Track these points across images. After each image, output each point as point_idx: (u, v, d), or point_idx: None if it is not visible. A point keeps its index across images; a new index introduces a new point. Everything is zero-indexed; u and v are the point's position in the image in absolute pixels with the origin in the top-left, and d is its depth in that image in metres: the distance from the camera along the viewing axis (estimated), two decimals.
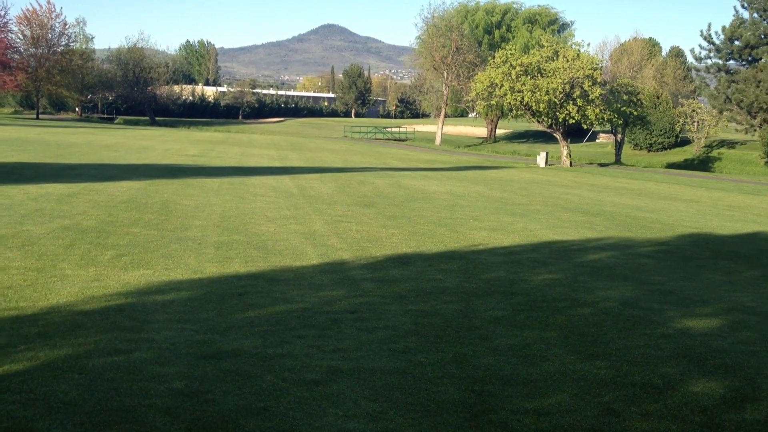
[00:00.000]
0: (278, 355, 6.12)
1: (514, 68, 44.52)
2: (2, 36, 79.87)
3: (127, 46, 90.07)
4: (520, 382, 5.76)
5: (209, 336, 6.55)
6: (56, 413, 4.70)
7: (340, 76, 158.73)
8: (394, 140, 77.24)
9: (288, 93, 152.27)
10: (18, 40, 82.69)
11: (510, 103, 45.67)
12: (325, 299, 8.18)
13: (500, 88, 45.08)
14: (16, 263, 8.95)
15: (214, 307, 7.57)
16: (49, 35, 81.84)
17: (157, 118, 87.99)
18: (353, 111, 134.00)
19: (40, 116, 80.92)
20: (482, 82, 46.63)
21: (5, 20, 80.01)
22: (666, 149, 66.57)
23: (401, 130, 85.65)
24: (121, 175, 21.40)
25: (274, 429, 4.68)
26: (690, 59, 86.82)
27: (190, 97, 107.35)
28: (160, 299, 7.76)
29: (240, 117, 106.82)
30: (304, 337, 6.68)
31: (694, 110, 63.93)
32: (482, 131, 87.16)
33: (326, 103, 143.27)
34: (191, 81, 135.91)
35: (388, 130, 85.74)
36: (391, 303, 8.09)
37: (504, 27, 77.92)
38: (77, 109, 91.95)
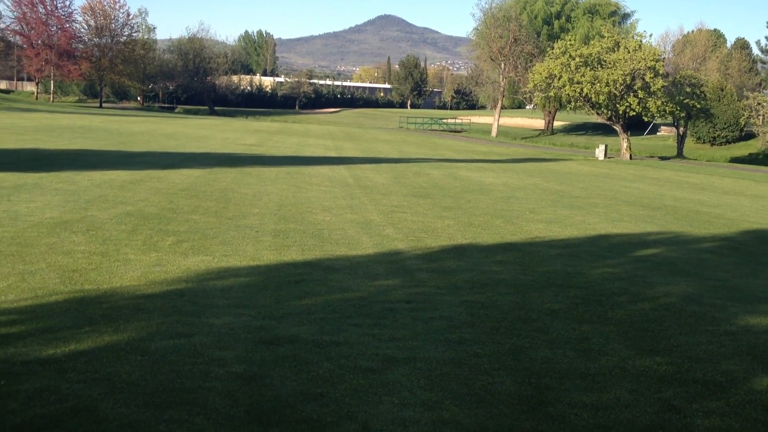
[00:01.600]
0: (334, 343, 6.17)
1: (574, 59, 43.92)
2: (67, 26, 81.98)
3: (187, 37, 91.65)
4: (578, 375, 5.69)
5: (267, 322, 6.64)
6: (120, 393, 4.82)
7: (396, 67, 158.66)
8: (450, 131, 76.97)
9: (344, 83, 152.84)
10: (82, 30, 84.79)
11: (569, 94, 45.09)
12: (381, 288, 8.21)
13: (559, 79, 44.53)
14: (81, 247, 9.19)
15: (272, 293, 7.66)
16: (113, 25, 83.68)
17: (215, 108, 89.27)
18: (409, 102, 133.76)
19: (103, 105, 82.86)
20: (540, 74, 46.12)
21: (70, 10, 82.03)
22: (730, 143, 64.85)
23: (457, 121, 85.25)
24: (181, 163, 21.78)
25: (331, 415, 4.72)
26: (756, 51, 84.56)
27: (248, 88, 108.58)
28: (219, 285, 7.89)
29: (297, 107, 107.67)
30: (360, 326, 6.72)
31: (759, 103, 62.02)
32: (539, 123, 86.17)
33: (382, 94, 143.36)
34: (249, 71, 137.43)
35: (444, 121, 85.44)
36: (446, 293, 8.08)
37: (563, 17, 76.76)
38: (139, 98, 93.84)
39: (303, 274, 8.64)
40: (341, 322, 6.81)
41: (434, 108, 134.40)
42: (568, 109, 56.29)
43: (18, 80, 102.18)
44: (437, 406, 4.96)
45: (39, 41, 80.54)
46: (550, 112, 78.51)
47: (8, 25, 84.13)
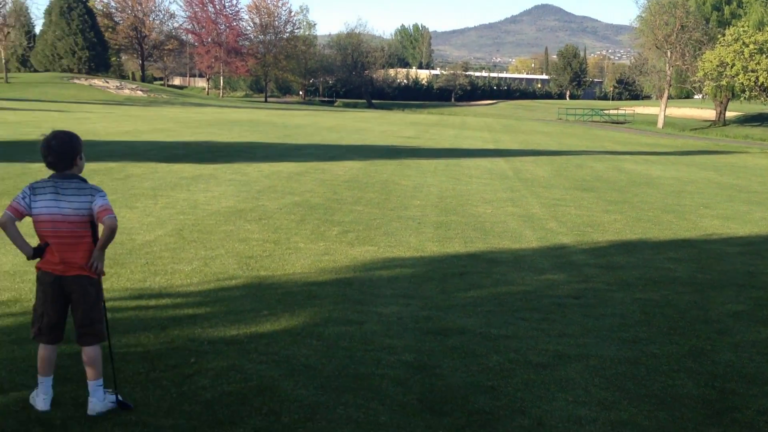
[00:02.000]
0: (503, 336, 6.12)
1: (747, 46, 41.26)
2: (234, 24, 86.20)
3: (345, 32, 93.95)
4: (767, 381, 5.34)
5: (434, 312, 6.69)
6: (298, 375, 5.02)
7: (554, 57, 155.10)
8: (612, 123, 74.39)
9: (500, 75, 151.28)
10: (248, 28, 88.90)
11: (743, 83, 42.43)
12: (547, 283, 8.06)
13: (731, 67, 41.99)
14: (255, 235, 9.64)
15: (437, 285, 7.71)
16: (276, 23, 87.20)
17: (373, 101, 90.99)
18: (567, 93, 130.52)
19: (268, 99, 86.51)
20: (711, 62, 43.70)
21: (237, 9, 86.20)
22: None
23: (619, 112, 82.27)
24: (343, 155, 22.36)
25: (503, 408, 4.68)
26: None
27: (404, 81, 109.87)
28: (385, 275, 8.03)
29: (452, 99, 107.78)
30: (528, 320, 6.62)
31: None
32: (709, 114, 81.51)
33: (539, 85, 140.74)
34: (405, 65, 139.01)
35: (605, 112, 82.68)
36: (617, 290, 7.81)
37: (734, 3, 72.01)
38: (301, 93, 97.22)
39: (467, 266, 8.63)
40: (508, 315, 6.74)
41: (594, 99, 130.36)
42: (741, 98, 52.96)
43: (190, 77, 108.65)
44: (614, 406, 4.80)
45: (209, 39, 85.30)
46: (721, 102, 74.05)
47: (181, 24, 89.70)
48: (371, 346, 5.67)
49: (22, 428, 4.07)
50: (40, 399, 4.33)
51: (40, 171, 14.64)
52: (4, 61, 76.39)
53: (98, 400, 4.34)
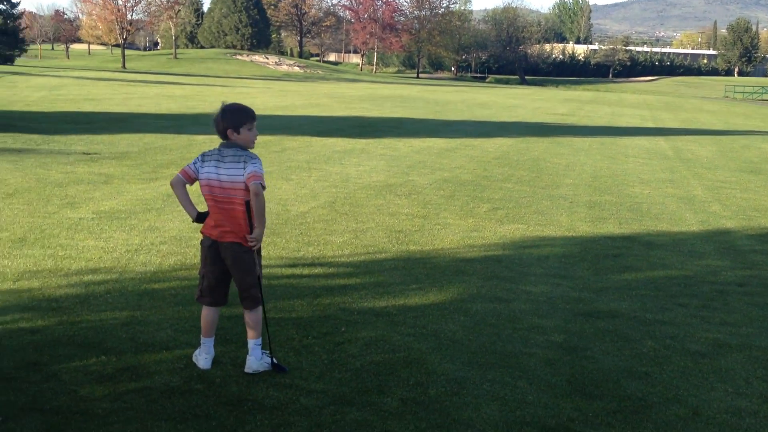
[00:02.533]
0: (658, 321, 5.87)
1: None
2: (391, 0, 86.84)
3: (501, 7, 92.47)
4: None
5: (585, 294, 6.51)
6: (445, 349, 5.04)
7: (723, 31, 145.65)
8: None
9: (662, 50, 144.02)
10: (405, 4, 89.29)
11: None
12: (709, 269, 7.65)
13: None
14: (405, 210, 9.73)
15: (589, 266, 7.50)
16: None
17: (526, 77, 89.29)
18: (736, 69, 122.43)
19: (420, 75, 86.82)
20: None
21: None
22: None
23: None
24: (494, 131, 22.12)
25: (657, 395, 4.50)
26: None
27: (560, 56, 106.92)
28: (535, 253, 7.89)
29: (610, 76, 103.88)
30: (686, 306, 6.32)
31: None
32: None
33: (705, 61, 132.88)
34: (562, 39, 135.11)
35: None
36: None
37: None
38: (452, 68, 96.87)
39: (621, 248, 8.33)
40: (665, 300, 6.46)
41: (766, 76, 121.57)
42: None
43: (345, 53, 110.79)
44: None
45: (365, 15, 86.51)
46: None
47: (339, 1, 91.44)
48: (519, 325, 5.60)
49: (185, 385, 4.33)
50: (202, 358, 4.59)
51: (204, 143, 15.48)
52: (173, 37, 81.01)
53: (255, 358, 4.55)
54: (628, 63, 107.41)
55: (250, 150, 4.45)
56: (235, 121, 4.36)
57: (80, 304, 5.56)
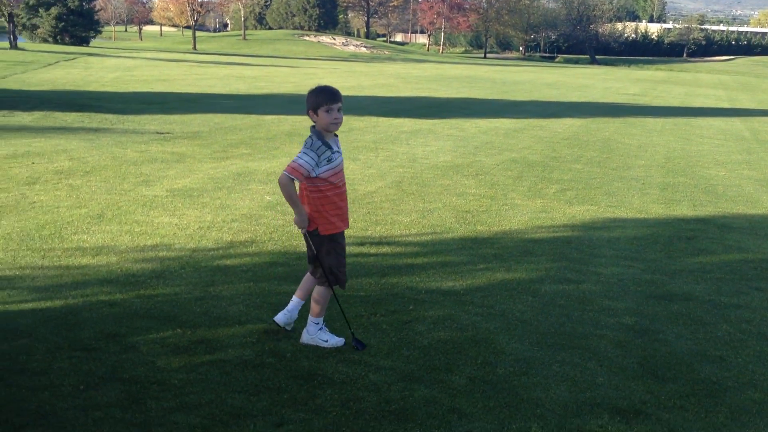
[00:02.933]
0: (733, 305, 5.72)
1: None
2: None
3: None
4: None
5: (657, 276, 6.38)
6: (514, 329, 5.02)
7: None
8: None
9: (739, 29, 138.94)
10: None
11: None
12: None
13: None
14: (472, 190, 9.69)
15: (662, 248, 7.34)
16: None
17: (596, 57, 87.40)
18: None
19: (487, 55, 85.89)
20: None
21: None
22: None
23: None
24: (563, 112, 21.76)
25: (732, 380, 4.40)
26: None
27: (632, 35, 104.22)
28: (605, 235, 7.76)
29: (684, 55, 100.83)
30: (763, 290, 6.14)
31: None
32: None
33: None
34: (635, 18, 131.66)
35: None
36: None
37: None
38: (521, 48, 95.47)
39: (695, 231, 8.13)
40: (741, 284, 6.29)
41: None
42: None
43: (412, 33, 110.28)
44: None
45: None
46: None
47: None
48: (589, 306, 5.53)
49: (257, 358, 4.42)
50: (336, 339, 4.70)
51: (273, 122, 15.68)
52: (243, 19, 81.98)
53: (307, 333, 4.68)
54: (703, 42, 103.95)
55: (330, 133, 4.46)
56: (312, 103, 4.38)
57: (156, 278, 5.72)
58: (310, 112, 4.39)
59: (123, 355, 4.38)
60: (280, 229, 7.28)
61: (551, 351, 4.69)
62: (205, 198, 8.45)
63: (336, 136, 4.57)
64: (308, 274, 4.78)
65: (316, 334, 4.66)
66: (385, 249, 6.83)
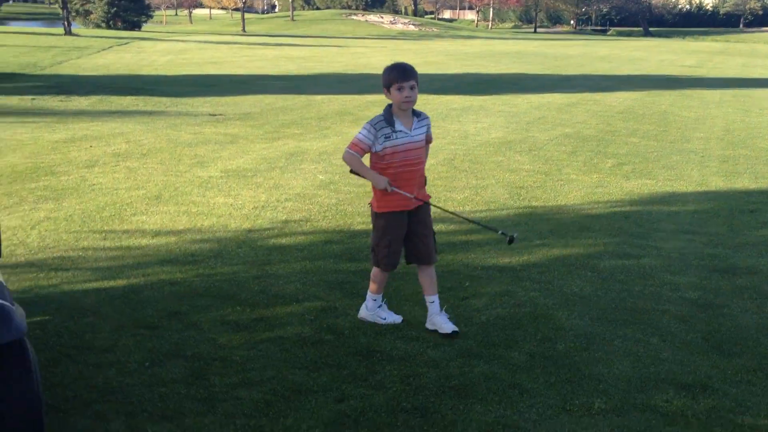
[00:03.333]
0: None
1: None
2: None
3: None
4: None
5: (720, 250, 6.23)
6: (573, 305, 4.95)
7: None
8: None
9: None
10: None
11: None
12: None
13: None
14: (525, 166, 9.57)
15: (724, 221, 7.17)
16: None
17: (650, 29, 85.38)
18: None
19: (537, 30, 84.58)
20: None
21: None
22: None
23: None
24: (617, 86, 21.33)
25: None
26: None
27: (687, 6, 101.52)
28: (665, 209, 7.60)
29: (741, 26, 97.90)
30: None
31: None
32: None
33: None
34: None
35: None
36: None
37: None
38: (572, 22, 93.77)
39: (758, 203, 7.92)
40: None
41: None
42: None
43: (460, 9, 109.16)
44: None
45: None
46: None
47: None
48: (650, 282, 5.43)
49: (316, 335, 4.45)
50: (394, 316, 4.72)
51: (323, 102, 15.72)
52: (290, 0, 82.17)
53: (366, 308, 4.71)
54: (760, 12, 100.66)
55: (405, 111, 4.41)
56: (386, 80, 4.35)
57: (214, 258, 5.79)
58: (384, 89, 4.37)
59: (185, 332, 4.44)
60: (334, 208, 7.30)
61: (613, 326, 4.61)
62: (258, 178, 8.52)
63: (418, 115, 4.47)
64: (420, 268, 4.73)
65: (375, 311, 4.67)
66: (440, 226, 6.77)
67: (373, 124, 4.35)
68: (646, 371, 4.04)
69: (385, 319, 4.65)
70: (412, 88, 4.31)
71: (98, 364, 4.04)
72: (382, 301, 4.71)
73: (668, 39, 71.99)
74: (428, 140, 4.60)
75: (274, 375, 3.95)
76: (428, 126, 4.56)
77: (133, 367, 4.01)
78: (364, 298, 4.74)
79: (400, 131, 4.37)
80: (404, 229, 4.54)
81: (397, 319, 4.68)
